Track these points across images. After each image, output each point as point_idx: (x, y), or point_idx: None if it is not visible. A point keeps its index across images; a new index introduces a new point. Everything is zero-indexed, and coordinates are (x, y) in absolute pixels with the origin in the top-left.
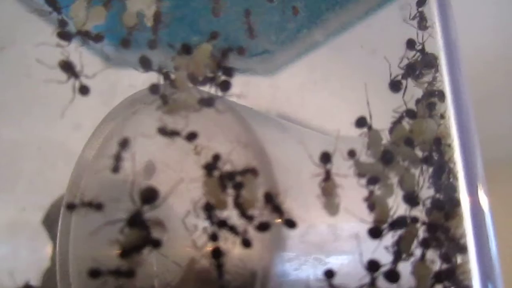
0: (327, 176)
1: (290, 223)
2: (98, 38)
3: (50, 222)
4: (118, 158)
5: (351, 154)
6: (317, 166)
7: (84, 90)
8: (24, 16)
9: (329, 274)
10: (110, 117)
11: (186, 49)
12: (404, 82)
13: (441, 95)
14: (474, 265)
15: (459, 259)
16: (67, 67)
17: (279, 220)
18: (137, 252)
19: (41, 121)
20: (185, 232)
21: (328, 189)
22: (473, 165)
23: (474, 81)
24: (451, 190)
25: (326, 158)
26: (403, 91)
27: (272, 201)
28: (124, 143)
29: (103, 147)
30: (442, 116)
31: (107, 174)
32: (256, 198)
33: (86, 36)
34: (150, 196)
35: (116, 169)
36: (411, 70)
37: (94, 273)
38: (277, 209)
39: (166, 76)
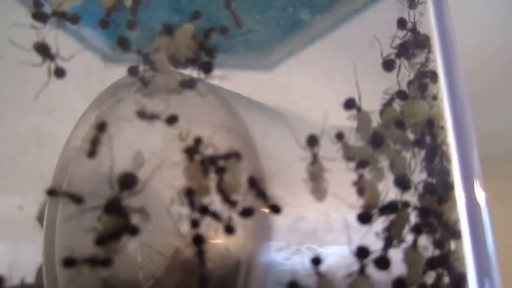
0: (314, 160)
1: (275, 209)
2: (74, 19)
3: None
4: (95, 142)
5: (339, 136)
6: (304, 150)
7: (60, 72)
8: None
9: (316, 261)
10: (95, 105)
11: (167, 30)
12: (397, 61)
13: (434, 76)
14: (470, 260)
15: (452, 245)
16: (43, 49)
17: (265, 209)
18: (115, 240)
19: (13, 104)
20: (169, 221)
21: (315, 173)
22: (468, 149)
23: (470, 77)
24: (444, 173)
25: (313, 141)
26: (397, 71)
27: (256, 186)
28: (101, 127)
29: (89, 135)
30: (435, 97)
31: (93, 164)
32: (240, 183)
33: (62, 17)
34: (128, 181)
35: (92, 153)
36: (404, 50)
37: (69, 262)
38: (262, 194)
39: (146, 58)
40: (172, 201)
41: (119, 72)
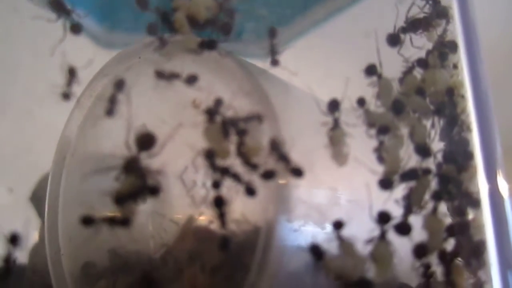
0: (336, 125)
1: (297, 172)
2: None
3: (37, 199)
4: (113, 101)
5: (361, 102)
6: (325, 115)
7: (75, 28)
8: None
9: (338, 225)
10: (102, 73)
11: None
12: (402, 36)
13: (453, 46)
14: (494, 255)
15: (471, 213)
16: (58, 5)
17: (283, 181)
18: (133, 200)
19: (28, 58)
20: (182, 189)
21: (336, 138)
22: (488, 117)
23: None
24: (464, 143)
25: (334, 105)
26: (399, 46)
27: (278, 149)
28: (119, 85)
29: (94, 105)
30: (455, 66)
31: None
32: (261, 146)
33: None
34: (147, 141)
35: (110, 112)
36: (413, 27)
37: (87, 220)
38: (284, 157)
39: (165, 17)
40: (186, 168)
41: None
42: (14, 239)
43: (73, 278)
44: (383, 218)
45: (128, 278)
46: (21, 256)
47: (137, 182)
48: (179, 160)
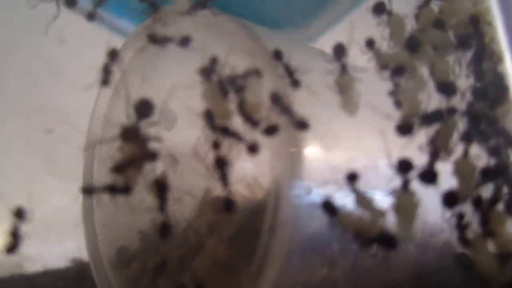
0: (343, 71)
1: (302, 125)
2: None
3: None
4: (107, 71)
5: (370, 44)
6: (330, 63)
7: (70, 2)
8: None
9: (352, 177)
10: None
11: None
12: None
13: None
14: None
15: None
16: None
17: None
18: (133, 167)
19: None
20: (197, 160)
21: (344, 85)
22: None
23: None
24: (496, 75)
25: (340, 50)
26: None
27: (279, 102)
28: (113, 54)
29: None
30: None
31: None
32: (261, 101)
33: None
34: (145, 107)
35: (105, 81)
36: None
37: (87, 190)
38: (286, 110)
39: None
40: (199, 139)
41: None
42: (19, 213)
43: (110, 263)
44: (404, 166)
45: (156, 258)
46: None
47: (136, 149)
48: (193, 131)
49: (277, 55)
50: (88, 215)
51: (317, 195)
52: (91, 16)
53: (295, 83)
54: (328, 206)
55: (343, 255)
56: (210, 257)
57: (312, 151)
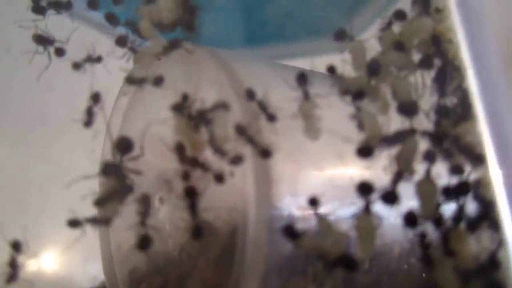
0: (305, 97)
1: (265, 153)
2: (67, 6)
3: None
4: (89, 113)
5: (331, 70)
6: (294, 90)
7: (59, 51)
8: None
9: (313, 202)
10: (122, 93)
11: None
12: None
13: None
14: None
15: (477, 172)
16: (41, 39)
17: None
18: (113, 200)
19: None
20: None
21: (306, 111)
22: (487, 52)
23: None
24: (459, 92)
25: (302, 78)
26: None
27: (244, 133)
28: (95, 97)
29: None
30: (438, 10)
31: None
32: (228, 133)
33: (57, 7)
34: (124, 145)
35: (88, 123)
36: None
37: (73, 223)
38: (250, 140)
39: (134, 27)
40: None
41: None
42: (16, 246)
43: (123, 284)
44: (364, 189)
45: (159, 279)
46: None
47: (115, 183)
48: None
49: (250, 94)
50: (104, 240)
51: (290, 217)
52: (76, 66)
53: (271, 118)
54: (289, 231)
55: (330, 273)
56: (201, 277)
57: (282, 175)
